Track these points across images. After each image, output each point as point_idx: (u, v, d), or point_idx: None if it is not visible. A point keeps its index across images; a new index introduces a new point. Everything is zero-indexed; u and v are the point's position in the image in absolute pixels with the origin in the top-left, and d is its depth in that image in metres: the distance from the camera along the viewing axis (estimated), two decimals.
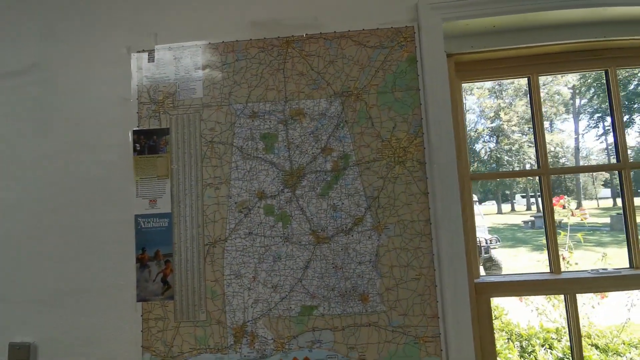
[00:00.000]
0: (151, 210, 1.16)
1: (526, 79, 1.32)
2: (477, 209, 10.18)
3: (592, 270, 1.24)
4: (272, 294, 1.11)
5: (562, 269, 1.26)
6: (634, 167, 1.26)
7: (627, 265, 1.25)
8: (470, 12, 1.16)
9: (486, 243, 7.69)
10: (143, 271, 1.14)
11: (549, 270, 1.27)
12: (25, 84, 1.24)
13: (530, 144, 20.03)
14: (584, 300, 3.30)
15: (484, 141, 21.96)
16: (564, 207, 3.54)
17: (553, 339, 2.72)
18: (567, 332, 1.17)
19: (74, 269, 1.17)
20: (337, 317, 1.10)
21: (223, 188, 1.15)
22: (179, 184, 1.16)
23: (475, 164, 21.20)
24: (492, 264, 7.41)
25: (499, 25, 1.20)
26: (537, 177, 1.30)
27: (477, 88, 21.50)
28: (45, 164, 1.21)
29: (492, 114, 21.60)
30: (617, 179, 1.34)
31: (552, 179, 1.27)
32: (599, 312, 3.12)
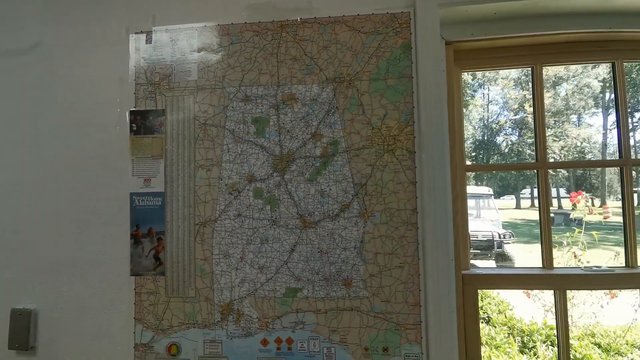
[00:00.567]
0: (145, 189, 1.20)
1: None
2: (493, 203, 9.97)
3: (584, 267, 1.21)
4: (258, 274, 1.14)
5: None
6: (636, 164, 1.21)
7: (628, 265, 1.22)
8: None
9: (499, 237, 7.56)
10: (137, 247, 1.19)
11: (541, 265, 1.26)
12: (25, 64, 1.28)
13: (555, 138, 19.32)
14: (592, 299, 3.24)
15: (505, 134, 21.29)
16: (579, 203, 3.44)
17: (555, 336, 2.69)
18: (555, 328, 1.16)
19: (72, 241, 1.23)
20: (320, 300, 1.12)
21: (214, 170, 1.17)
22: (173, 165, 1.19)
23: (495, 157, 20.64)
24: (504, 259, 7.30)
25: (500, 12, 1.16)
26: (538, 170, 1.27)
27: (502, 78, 20.74)
28: (45, 141, 1.26)
29: (516, 106, 20.86)
30: None
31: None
32: (608, 311, 3.06)
